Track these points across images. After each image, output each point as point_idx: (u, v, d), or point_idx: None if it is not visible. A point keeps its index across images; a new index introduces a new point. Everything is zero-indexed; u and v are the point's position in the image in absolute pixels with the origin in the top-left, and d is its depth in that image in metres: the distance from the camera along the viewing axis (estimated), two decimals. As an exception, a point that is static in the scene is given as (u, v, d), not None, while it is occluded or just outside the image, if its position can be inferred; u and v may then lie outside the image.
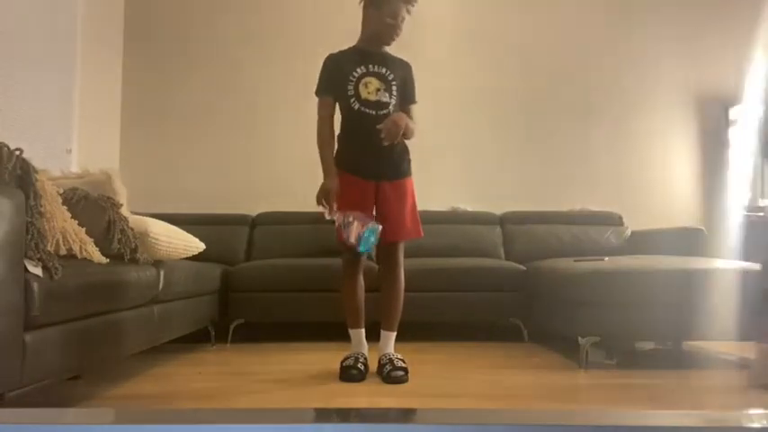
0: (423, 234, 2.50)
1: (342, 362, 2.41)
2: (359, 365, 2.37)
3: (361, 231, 2.19)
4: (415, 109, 2.56)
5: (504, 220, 4.15)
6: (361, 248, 2.21)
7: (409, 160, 2.53)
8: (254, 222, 4.15)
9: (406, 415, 0.80)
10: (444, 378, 2.40)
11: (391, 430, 0.57)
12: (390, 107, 2.44)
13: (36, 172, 1.77)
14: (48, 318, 1.66)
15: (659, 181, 4.49)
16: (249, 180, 4.36)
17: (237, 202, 4.22)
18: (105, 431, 0.55)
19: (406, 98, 2.55)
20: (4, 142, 1.72)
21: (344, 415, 0.61)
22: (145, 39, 4.44)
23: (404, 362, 2.36)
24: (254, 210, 4.19)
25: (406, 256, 3.68)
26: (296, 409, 1.76)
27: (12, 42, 3.15)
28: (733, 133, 4.47)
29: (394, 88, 2.47)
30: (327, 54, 2.51)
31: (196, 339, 3.15)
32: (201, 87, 4.42)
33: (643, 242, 3.81)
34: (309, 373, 2.51)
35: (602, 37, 4.58)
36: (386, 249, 2.48)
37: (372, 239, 2.20)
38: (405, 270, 3.47)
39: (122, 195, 2.43)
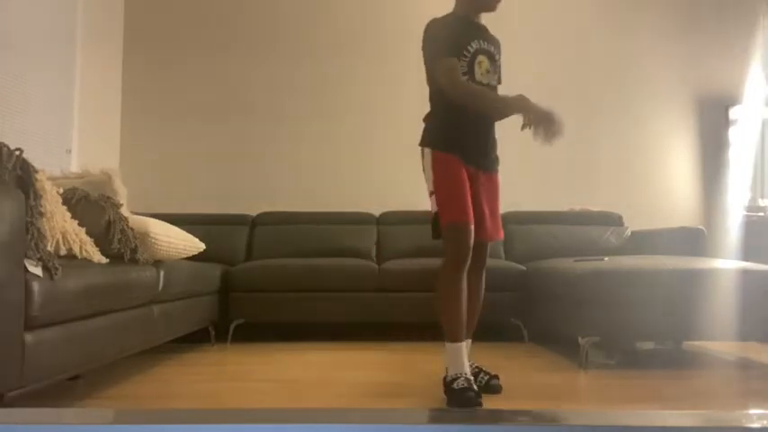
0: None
1: (450, 384, 1.97)
2: (473, 386, 1.95)
3: None
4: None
5: (504, 220, 4.12)
6: None
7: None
8: (254, 222, 4.15)
9: (406, 415, 0.80)
10: (444, 378, 2.40)
11: (392, 430, 0.57)
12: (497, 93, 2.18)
13: (36, 172, 1.77)
14: (48, 318, 1.66)
15: (659, 181, 4.49)
16: (249, 180, 4.35)
17: (237, 202, 4.22)
18: (105, 431, 0.55)
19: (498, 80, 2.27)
20: (3, 142, 1.72)
21: (344, 415, 0.61)
22: (145, 39, 4.44)
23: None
24: (254, 210, 4.19)
25: (407, 256, 3.69)
26: (296, 409, 1.76)
27: (12, 43, 3.15)
28: (733, 133, 4.48)
29: (498, 70, 2.21)
30: (431, 20, 2.12)
31: (196, 339, 3.15)
32: (201, 87, 4.42)
33: (643, 242, 3.81)
34: (309, 373, 2.51)
35: (602, 37, 4.58)
36: (476, 249, 2.13)
37: None
38: (406, 270, 3.50)
39: (122, 195, 2.43)
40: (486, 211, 2.17)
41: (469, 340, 2.22)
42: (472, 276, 2.16)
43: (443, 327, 2.07)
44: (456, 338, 2.03)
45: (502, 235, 2.29)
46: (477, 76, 2.10)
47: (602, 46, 4.57)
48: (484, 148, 2.18)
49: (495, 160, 2.25)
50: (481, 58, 2.11)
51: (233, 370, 2.65)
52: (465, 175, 2.09)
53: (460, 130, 2.12)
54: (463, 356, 2.02)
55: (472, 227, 2.06)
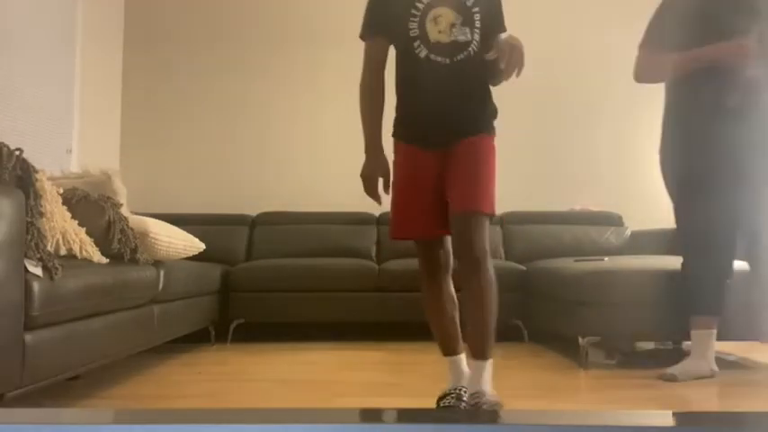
0: (494, 211, 1.74)
1: (439, 400, 1.82)
2: (461, 404, 1.75)
3: None
4: None
5: (505, 220, 4.15)
6: None
7: (492, 112, 1.84)
8: (254, 222, 4.16)
9: (406, 415, 0.80)
10: (445, 378, 2.40)
11: (391, 430, 0.57)
12: (472, 48, 1.74)
13: (36, 172, 1.77)
14: (48, 318, 1.66)
15: (659, 181, 4.48)
16: (249, 180, 4.35)
17: (237, 202, 4.22)
18: (105, 431, 0.55)
19: (492, 27, 1.80)
20: (3, 142, 1.72)
21: (344, 415, 0.61)
22: (145, 39, 4.44)
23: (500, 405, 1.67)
24: (254, 210, 4.19)
25: (407, 256, 3.66)
26: (296, 409, 1.76)
27: (12, 42, 3.15)
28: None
29: (477, 19, 1.75)
30: None
31: (196, 339, 3.15)
32: (202, 87, 4.42)
33: (643, 242, 3.81)
34: (309, 373, 2.51)
35: (602, 36, 4.57)
36: (456, 228, 1.72)
37: None
38: (405, 270, 3.49)
39: (122, 195, 2.43)
40: (457, 179, 1.74)
41: (483, 362, 1.69)
42: (464, 272, 1.71)
43: None
44: (442, 352, 1.86)
45: (479, 206, 1.69)
46: (433, 36, 1.72)
47: (603, 44, 4.57)
48: (452, 125, 1.77)
49: (475, 124, 1.80)
50: (438, 11, 1.73)
51: (233, 370, 2.65)
52: (423, 173, 1.76)
53: (416, 115, 1.79)
54: (454, 369, 1.84)
55: (430, 238, 1.78)
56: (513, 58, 1.60)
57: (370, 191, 1.78)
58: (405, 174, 1.79)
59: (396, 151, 1.83)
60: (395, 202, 1.81)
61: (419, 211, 1.77)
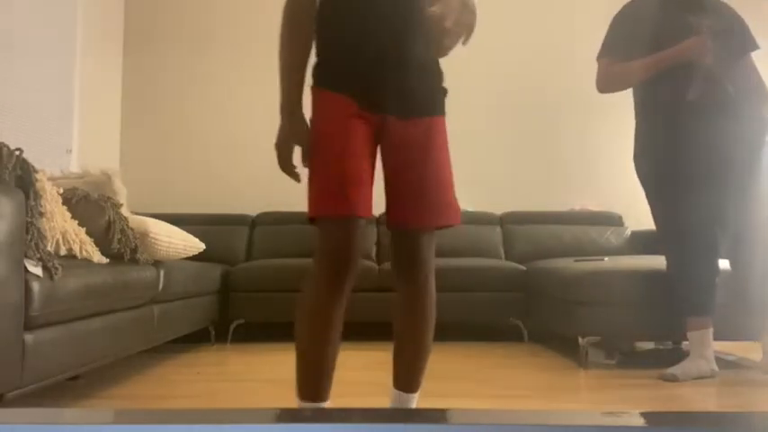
0: (459, 220, 1.42)
1: None
2: None
3: None
4: None
5: (504, 220, 4.16)
6: None
7: (444, 87, 1.43)
8: (254, 222, 4.16)
9: (405, 415, 0.80)
10: (444, 378, 2.40)
11: (391, 430, 0.57)
12: None
13: (36, 172, 1.77)
14: (48, 318, 1.67)
15: (659, 181, 4.49)
16: (249, 180, 4.36)
17: (237, 202, 4.22)
18: (105, 431, 0.55)
19: None
20: (3, 142, 1.72)
21: (344, 415, 0.61)
22: (145, 38, 4.44)
23: None
24: (254, 210, 4.19)
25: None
26: (296, 408, 1.76)
27: (12, 42, 3.15)
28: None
29: None
30: None
31: (196, 339, 3.16)
32: (201, 87, 4.42)
33: (643, 242, 3.81)
34: (309, 373, 2.50)
35: (602, 35, 4.57)
36: (404, 243, 1.41)
37: None
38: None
39: (122, 195, 2.43)
40: (408, 181, 1.35)
41: (410, 395, 1.48)
42: (406, 292, 1.46)
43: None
44: (302, 394, 1.47)
45: (450, 216, 1.39)
46: None
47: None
48: (397, 81, 1.32)
49: (429, 98, 1.39)
50: None
51: (233, 370, 2.66)
52: (357, 130, 1.30)
53: (350, 53, 1.32)
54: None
55: (354, 220, 1.30)
56: (464, 18, 1.17)
57: (284, 164, 1.39)
58: (327, 130, 1.31)
59: (318, 101, 1.33)
60: (314, 169, 1.34)
61: (343, 179, 1.29)
